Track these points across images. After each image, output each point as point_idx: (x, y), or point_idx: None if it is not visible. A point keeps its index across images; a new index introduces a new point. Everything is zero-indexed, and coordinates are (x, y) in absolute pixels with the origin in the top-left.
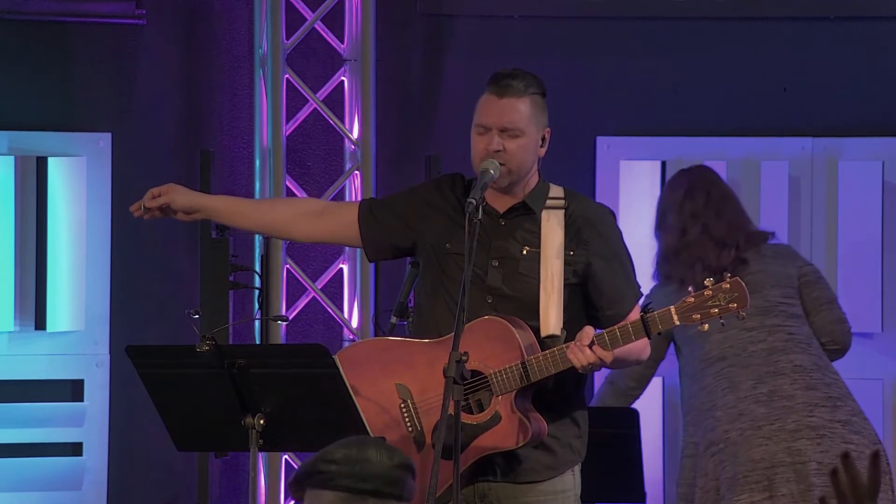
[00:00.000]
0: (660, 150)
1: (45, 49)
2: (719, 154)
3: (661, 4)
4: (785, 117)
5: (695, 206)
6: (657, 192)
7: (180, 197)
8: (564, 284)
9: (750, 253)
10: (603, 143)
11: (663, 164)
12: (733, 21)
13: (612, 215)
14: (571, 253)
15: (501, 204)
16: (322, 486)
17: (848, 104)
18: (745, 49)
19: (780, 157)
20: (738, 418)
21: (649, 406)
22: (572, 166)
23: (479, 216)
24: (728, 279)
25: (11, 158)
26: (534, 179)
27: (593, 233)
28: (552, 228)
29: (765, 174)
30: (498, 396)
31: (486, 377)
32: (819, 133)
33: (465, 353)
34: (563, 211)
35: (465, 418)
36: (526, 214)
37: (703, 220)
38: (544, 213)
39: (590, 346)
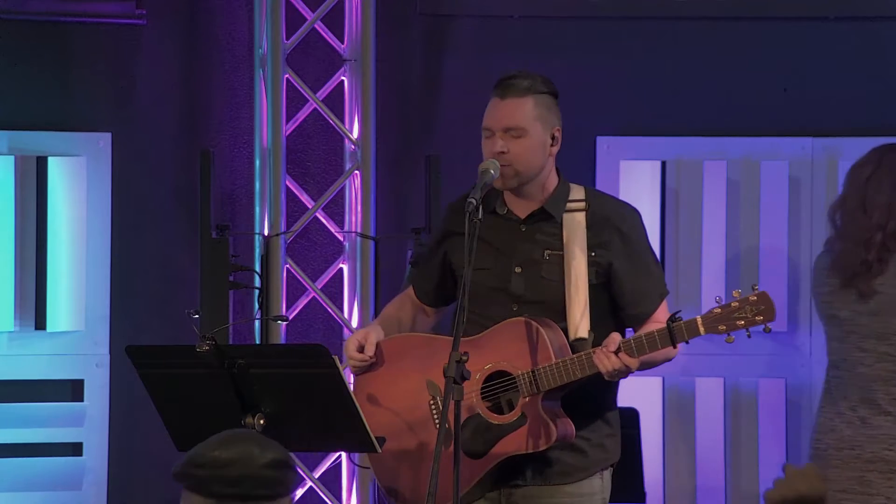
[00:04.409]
0: (660, 150)
1: (45, 49)
2: (719, 154)
3: (661, 4)
4: (785, 117)
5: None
6: (657, 192)
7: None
8: (589, 286)
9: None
10: (603, 143)
11: (663, 164)
12: (733, 21)
13: (637, 214)
14: (594, 254)
15: (522, 210)
16: (192, 489)
17: (848, 104)
18: (745, 49)
19: (780, 157)
20: (829, 433)
21: (649, 406)
22: (572, 166)
23: (479, 216)
24: (756, 291)
25: (11, 158)
26: (552, 181)
27: (615, 233)
28: (574, 230)
29: (765, 174)
30: (525, 398)
31: (514, 378)
32: (819, 133)
33: (466, 354)
34: (584, 213)
35: (492, 418)
36: (547, 219)
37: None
38: (566, 216)
39: (616, 353)
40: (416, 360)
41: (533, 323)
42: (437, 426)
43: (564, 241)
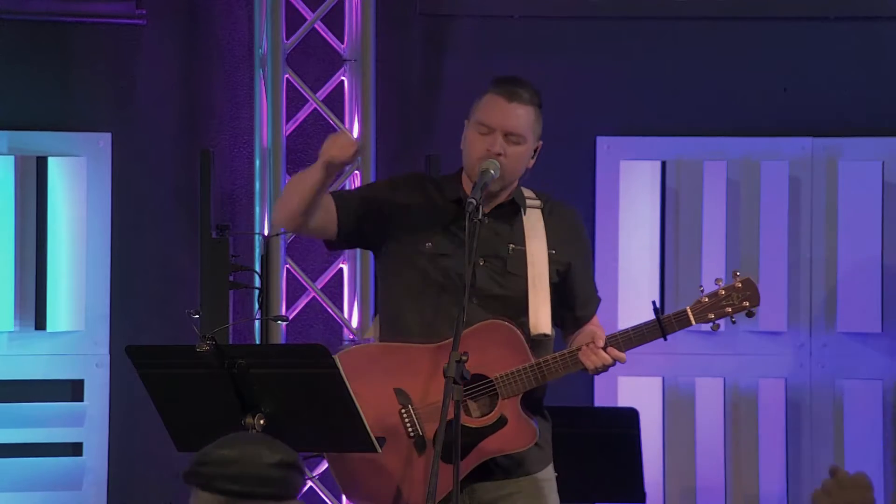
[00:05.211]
0: (660, 150)
1: (45, 49)
2: (719, 154)
3: (662, 4)
4: (785, 117)
5: None
6: (657, 192)
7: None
8: (550, 284)
9: None
10: (603, 143)
11: (663, 164)
12: (733, 21)
13: (581, 215)
14: (554, 252)
15: (485, 204)
16: (200, 486)
17: (848, 104)
18: (745, 49)
19: (780, 157)
20: None
21: (649, 406)
22: (572, 166)
23: (479, 216)
24: (740, 278)
25: (11, 158)
26: (514, 185)
27: (572, 233)
28: (534, 227)
29: (765, 174)
30: (504, 400)
31: (490, 381)
32: (819, 133)
33: (465, 354)
34: (540, 210)
35: (470, 422)
36: (511, 213)
37: None
38: (528, 212)
39: (604, 349)
40: (381, 369)
41: (509, 325)
42: (409, 434)
43: (526, 236)
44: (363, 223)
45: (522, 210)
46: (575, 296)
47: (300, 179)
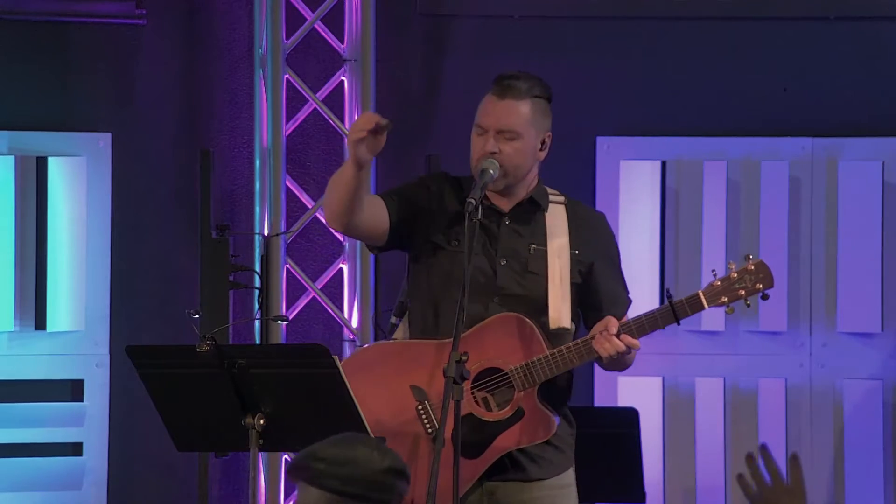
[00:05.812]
0: (660, 150)
1: (45, 49)
2: (719, 154)
3: (661, 4)
4: (785, 117)
5: None
6: (657, 192)
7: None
8: (571, 284)
9: None
10: (603, 143)
11: (663, 164)
12: (733, 21)
13: (606, 218)
14: (577, 252)
15: (506, 202)
16: (310, 482)
17: (848, 104)
18: (745, 49)
19: (780, 157)
20: None
21: (649, 406)
22: (572, 166)
23: (479, 216)
24: (752, 260)
25: (11, 158)
26: (534, 183)
27: (594, 234)
28: (557, 226)
29: (765, 174)
30: (520, 392)
31: (506, 373)
32: (819, 133)
33: (465, 353)
34: (564, 208)
35: (487, 416)
36: (532, 212)
37: None
38: (549, 211)
39: (617, 336)
40: (393, 367)
41: (521, 317)
42: (427, 430)
43: (548, 235)
44: (409, 225)
45: (543, 208)
46: (600, 297)
47: (337, 177)
